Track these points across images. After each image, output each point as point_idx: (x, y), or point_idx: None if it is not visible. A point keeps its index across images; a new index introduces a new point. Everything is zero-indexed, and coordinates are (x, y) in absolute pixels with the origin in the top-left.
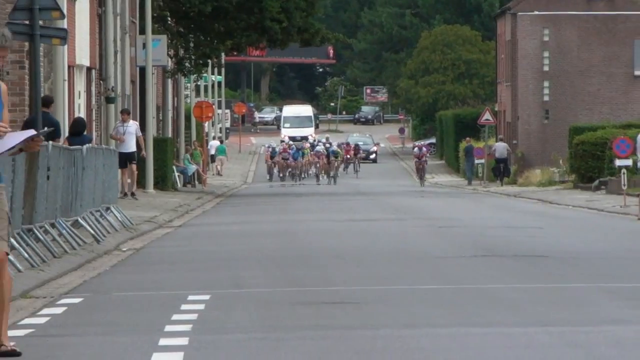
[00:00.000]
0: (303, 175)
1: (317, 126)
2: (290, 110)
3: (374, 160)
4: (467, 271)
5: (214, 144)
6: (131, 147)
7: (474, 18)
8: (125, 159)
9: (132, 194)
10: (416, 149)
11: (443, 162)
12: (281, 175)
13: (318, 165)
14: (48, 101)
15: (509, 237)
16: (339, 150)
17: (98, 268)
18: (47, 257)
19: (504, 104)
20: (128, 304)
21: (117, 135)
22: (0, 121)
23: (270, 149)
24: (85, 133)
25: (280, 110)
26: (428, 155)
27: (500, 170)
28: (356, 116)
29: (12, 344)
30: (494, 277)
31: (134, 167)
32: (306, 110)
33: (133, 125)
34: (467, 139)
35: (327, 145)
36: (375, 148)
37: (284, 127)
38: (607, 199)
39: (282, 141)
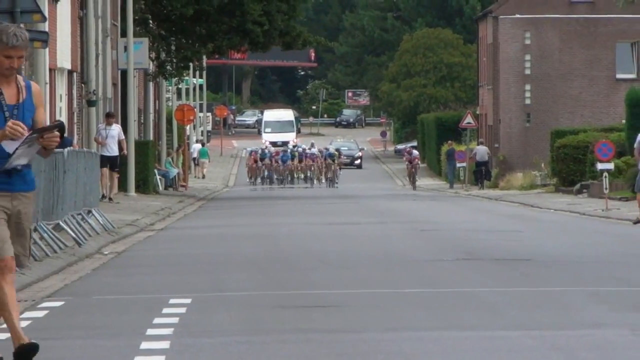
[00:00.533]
0: (289, 179)
1: (298, 131)
2: (272, 114)
3: (359, 166)
4: (448, 274)
5: (196, 147)
6: (114, 150)
7: (455, 21)
8: (107, 162)
9: (110, 200)
10: (406, 153)
11: (425, 165)
12: (268, 178)
13: (312, 168)
14: None
15: (490, 241)
16: (336, 152)
17: (79, 271)
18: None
19: (486, 107)
20: (109, 307)
21: (99, 139)
22: (25, 125)
23: (259, 151)
24: (66, 136)
25: (262, 113)
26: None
27: (481, 174)
28: (338, 119)
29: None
30: (476, 281)
31: (113, 174)
32: (288, 114)
33: (116, 129)
34: (449, 142)
35: (325, 148)
36: (360, 153)
37: (265, 132)
38: (588, 202)
39: (265, 146)
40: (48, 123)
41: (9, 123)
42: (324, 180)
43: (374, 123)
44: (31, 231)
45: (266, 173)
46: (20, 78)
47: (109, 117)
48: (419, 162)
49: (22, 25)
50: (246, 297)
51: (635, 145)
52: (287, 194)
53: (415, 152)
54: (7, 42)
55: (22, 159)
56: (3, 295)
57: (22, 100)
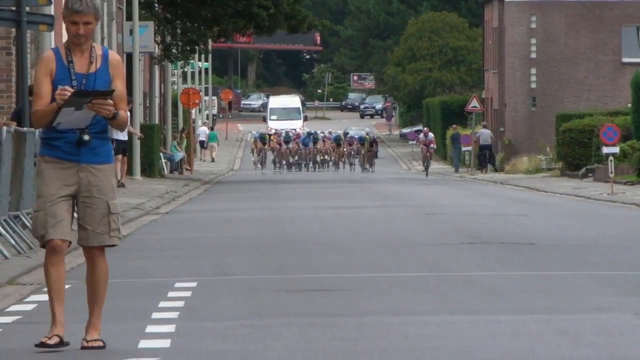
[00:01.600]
0: (311, 164)
1: (305, 118)
2: (277, 101)
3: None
4: (453, 259)
5: (202, 130)
6: (124, 135)
7: (461, 5)
8: (120, 147)
9: (122, 184)
10: (422, 134)
11: None
12: (297, 164)
13: (352, 153)
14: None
15: (495, 225)
16: (367, 136)
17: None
18: (34, 243)
19: (491, 91)
20: (115, 291)
21: None
22: (107, 97)
23: (282, 134)
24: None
25: (267, 97)
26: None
27: (485, 157)
28: (343, 103)
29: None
30: (480, 265)
31: (124, 158)
32: (294, 101)
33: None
34: (454, 126)
35: (360, 132)
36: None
37: (270, 120)
38: (594, 186)
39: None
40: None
41: (58, 89)
42: (359, 165)
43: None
44: (113, 206)
45: (295, 158)
46: (97, 47)
47: None
48: (435, 145)
49: (28, 9)
50: (251, 281)
51: None
52: (293, 178)
53: (432, 135)
54: (71, 6)
55: (69, 121)
56: (47, 278)
57: (95, 69)
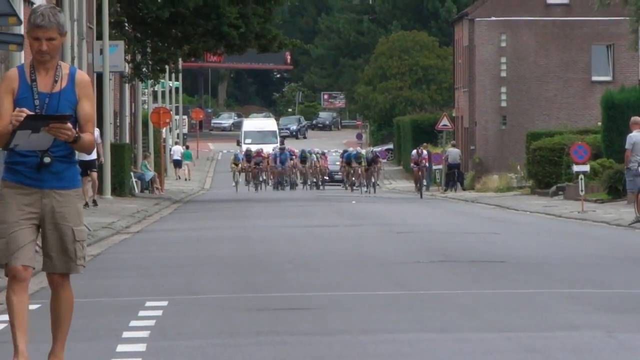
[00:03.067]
0: (286, 182)
1: (282, 142)
2: (252, 124)
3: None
4: (424, 277)
5: (176, 149)
6: (92, 154)
7: (431, 24)
8: (85, 167)
9: (94, 202)
10: (414, 152)
11: (401, 167)
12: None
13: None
14: None
15: (466, 243)
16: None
17: None
18: None
19: (462, 110)
20: (85, 310)
21: None
22: (71, 119)
23: (276, 151)
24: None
25: (238, 116)
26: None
27: (453, 176)
28: (314, 122)
29: None
30: (451, 283)
31: (95, 175)
32: (270, 124)
33: (95, 132)
34: (425, 144)
35: (356, 150)
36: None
37: (244, 143)
38: (564, 204)
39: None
40: (95, 119)
41: (15, 111)
42: (362, 185)
43: (350, 125)
44: (79, 233)
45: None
46: (65, 66)
47: None
48: (427, 162)
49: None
50: (221, 300)
51: (626, 146)
52: (262, 197)
53: (425, 153)
54: (33, 21)
55: (28, 144)
56: (9, 307)
57: (60, 89)
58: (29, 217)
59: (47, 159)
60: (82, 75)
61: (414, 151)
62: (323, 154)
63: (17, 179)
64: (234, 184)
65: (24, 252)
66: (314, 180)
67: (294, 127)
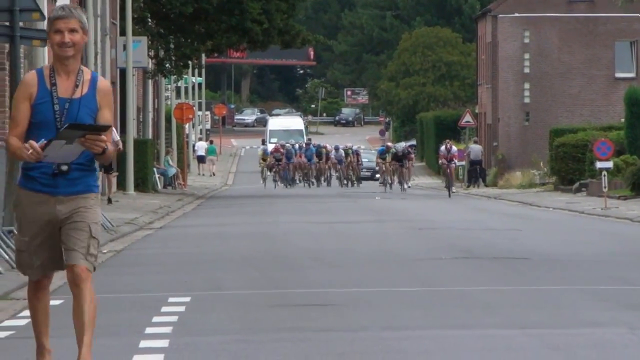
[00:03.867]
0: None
1: (309, 140)
2: (278, 122)
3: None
4: (446, 273)
5: (200, 145)
6: None
7: (454, 20)
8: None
9: (109, 199)
10: (443, 147)
11: (424, 164)
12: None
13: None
14: None
15: (488, 240)
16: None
17: None
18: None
19: (485, 106)
20: (108, 306)
21: None
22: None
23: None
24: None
25: (261, 112)
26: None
27: (475, 173)
28: (337, 118)
29: None
30: (473, 280)
31: (111, 177)
32: (296, 122)
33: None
34: (447, 141)
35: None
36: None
37: (270, 143)
38: (587, 201)
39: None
40: (115, 131)
41: (27, 144)
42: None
43: (373, 121)
44: (95, 229)
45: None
46: (87, 71)
47: None
48: (457, 160)
49: (21, 24)
50: (244, 296)
51: None
52: (285, 193)
53: (455, 149)
54: (54, 15)
55: (56, 156)
56: (32, 311)
57: (80, 95)
58: (47, 227)
59: (64, 167)
60: (103, 83)
61: (442, 147)
62: (356, 151)
63: (32, 186)
64: (262, 180)
65: (47, 263)
66: (349, 176)
67: (350, 117)
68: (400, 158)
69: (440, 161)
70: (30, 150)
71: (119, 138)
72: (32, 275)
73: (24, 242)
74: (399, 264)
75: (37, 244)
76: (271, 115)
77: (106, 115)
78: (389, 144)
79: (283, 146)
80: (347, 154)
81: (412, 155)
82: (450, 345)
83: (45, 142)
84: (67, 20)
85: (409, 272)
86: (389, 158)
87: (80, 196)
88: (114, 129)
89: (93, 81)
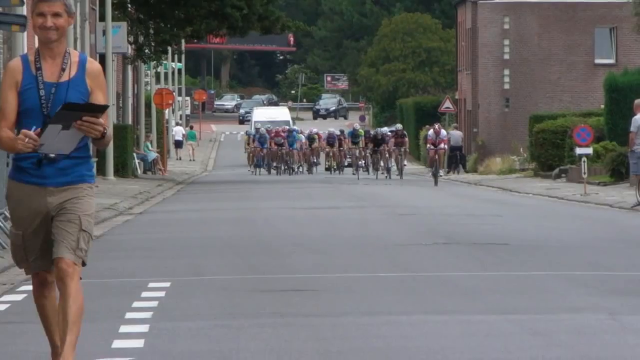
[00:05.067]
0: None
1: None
2: (263, 113)
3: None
4: (426, 259)
5: (177, 130)
6: None
7: (434, 6)
8: None
9: None
10: (431, 131)
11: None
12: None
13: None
14: None
15: (468, 225)
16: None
17: None
18: (7, 244)
19: (465, 92)
20: (88, 291)
21: None
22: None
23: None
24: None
25: (241, 98)
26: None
27: (455, 159)
28: (315, 108)
29: None
30: (454, 265)
31: None
32: (283, 113)
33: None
34: (427, 126)
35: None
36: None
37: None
38: (567, 187)
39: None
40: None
41: (20, 134)
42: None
43: (353, 107)
44: (86, 222)
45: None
46: (74, 53)
47: None
48: (446, 145)
49: (0, 9)
50: (224, 281)
51: (631, 128)
52: (265, 179)
53: (444, 133)
54: None
55: (52, 145)
56: (41, 310)
57: (68, 78)
58: (38, 220)
59: (51, 154)
60: (93, 64)
61: (431, 131)
62: (317, 134)
63: (22, 178)
64: (250, 168)
65: (43, 257)
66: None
67: (333, 107)
68: (379, 142)
69: (427, 146)
70: (26, 139)
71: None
72: (28, 270)
73: (18, 236)
74: (380, 250)
75: (30, 238)
76: (249, 99)
77: (99, 98)
78: (356, 125)
79: (284, 130)
80: (311, 140)
81: (406, 139)
82: (431, 330)
83: (39, 129)
84: (51, 4)
85: (390, 258)
86: (361, 143)
87: (72, 187)
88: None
89: (82, 63)
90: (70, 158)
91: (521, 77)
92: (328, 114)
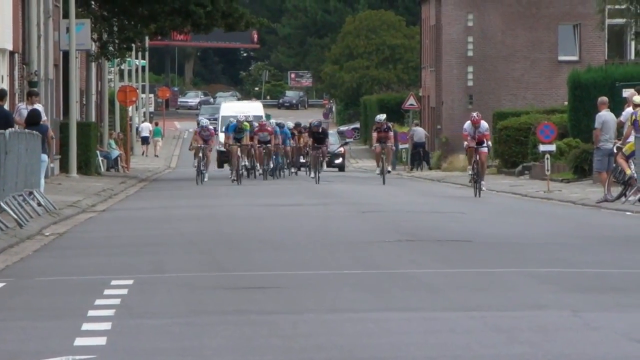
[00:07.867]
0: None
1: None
2: (233, 108)
3: (341, 168)
4: (390, 256)
5: (144, 126)
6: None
7: (398, 3)
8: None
9: None
10: (468, 123)
11: (367, 147)
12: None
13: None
14: (1, 95)
15: (432, 222)
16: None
17: (21, 253)
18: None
19: (428, 89)
20: (51, 288)
21: (18, 119)
22: None
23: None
24: (42, 122)
25: (205, 95)
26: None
27: (419, 155)
28: (280, 101)
29: None
30: (418, 262)
31: None
32: (255, 108)
33: (39, 109)
34: (391, 124)
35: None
36: (341, 150)
37: (222, 132)
38: (530, 184)
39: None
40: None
41: None
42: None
43: (317, 104)
44: None
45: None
46: None
47: (31, 96)
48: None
49: None
50: (187, 279)
51: (596, 125)
52: (226, 175)
53: (485, 125)
54: None
55: None
56: None
57: None
58: None
59: None
60: None
61: (468, 123)
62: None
63: None
64: (232, 176)
65: None
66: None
67: (294, 100)
68: (321, 138)
69: (465, 144)
70: None
71: (46, 117)
72: None
73: None
74: (343, 247)
75: None
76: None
77: None
78: (241, 117)
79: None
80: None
81: (391, 134)
82: (394, 327)
83: None
84: None
85: (353, 255)
86: (245, 139)
87: None
88: (41, 105)
89: None
90: None
91: (485, 74)
92: (291, 105)
